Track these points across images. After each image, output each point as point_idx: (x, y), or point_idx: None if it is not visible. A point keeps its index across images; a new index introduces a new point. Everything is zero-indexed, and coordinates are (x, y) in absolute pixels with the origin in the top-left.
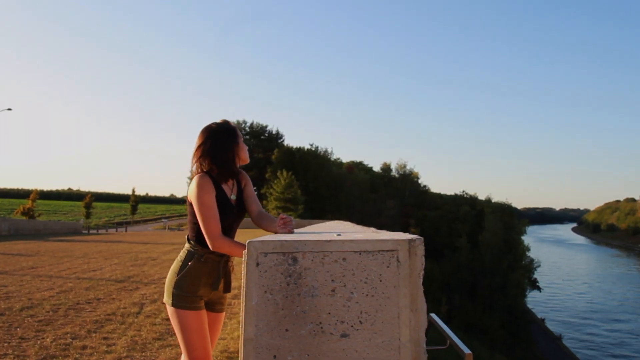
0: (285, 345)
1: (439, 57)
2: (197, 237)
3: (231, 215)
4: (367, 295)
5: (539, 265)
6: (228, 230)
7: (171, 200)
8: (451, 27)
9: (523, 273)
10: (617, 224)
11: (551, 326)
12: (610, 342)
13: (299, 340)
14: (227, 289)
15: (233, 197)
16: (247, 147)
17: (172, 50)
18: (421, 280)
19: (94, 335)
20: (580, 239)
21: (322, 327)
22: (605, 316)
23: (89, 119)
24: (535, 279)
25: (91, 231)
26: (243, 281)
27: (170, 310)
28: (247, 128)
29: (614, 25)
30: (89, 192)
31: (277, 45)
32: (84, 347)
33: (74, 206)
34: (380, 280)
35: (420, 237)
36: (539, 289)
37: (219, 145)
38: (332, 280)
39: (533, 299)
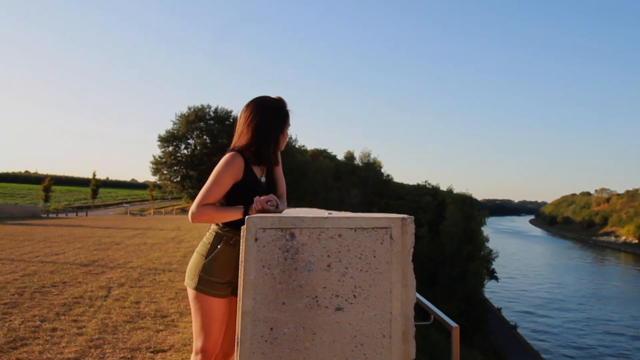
0: (282, 318)
1: (403, 48)
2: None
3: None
4: (361, 270)
5: (497, 256)
6: None
7: (133, 185)
8: (415, 18)
9: (482, 263)
10: (573, 217)
11: (507, 315)
12: (563, 331)
13: (295, 313)
14: None
15: (263, 179)
16: (288, 135)
17: (135, 35)
18: (411, 257)
19: (63, 317)
20: (537, 231)
21: (317, 301)
22: (559, 306)
23: (48, 100)
24: (493, 269)
25: (50, 215)
26: (242, 256)
27: (192, 293)
28: (211, 113)
29: (575, 19)
30: (47, 175)
31: (243, 33)
32: (54, 330)
33: (31, 189)
34: (374, 257)
35: (411, 217)
36: (496, 279)
37: (265, 127)
38: (328, 255)
39: (490, 289)
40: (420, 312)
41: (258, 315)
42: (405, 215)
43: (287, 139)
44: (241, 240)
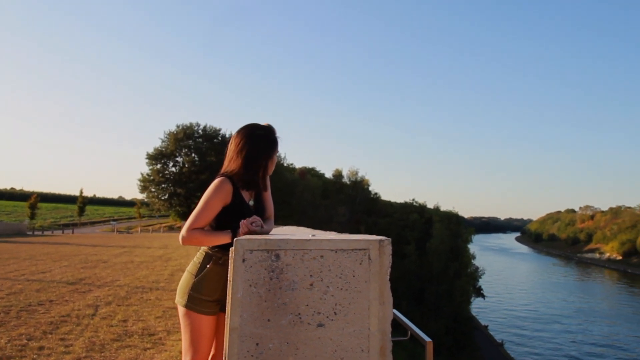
0: (267, 334)
1: (390, 66)
2: None
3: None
4: (341, 289)
5: (484, 273)
6: None
7: (120, 203)
8: (403, 35)
9: (468, 280)
10: (558, 234)
11: (494, 332)
12: (549, 347)
13: (280, 330)
14: None
15: (251, 202)
16: (276, 160)
17: (123, 51)
18: (388, 276)
19: (49, 336)
20: (523, 248)
21: (300, 318)
22: (545, 323)
23: (35, 115)
24: (480, 286)
25: (36, 232)
26: (230, 275)
27: (182, 310)
28: (200, 131)
29: (556, 35)
30: (33, 192)
31: (230, 49)
32: (41, 348)
33: (17, 206)
34: (354, 276)
35: (388, 238)
36: (483, 296)
37: (254, 154)
38: (311, 275)
39: (477, 306)
40: (398, 328)
41: (245, 331)
42: (382, 237)
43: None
44: (230, 261)
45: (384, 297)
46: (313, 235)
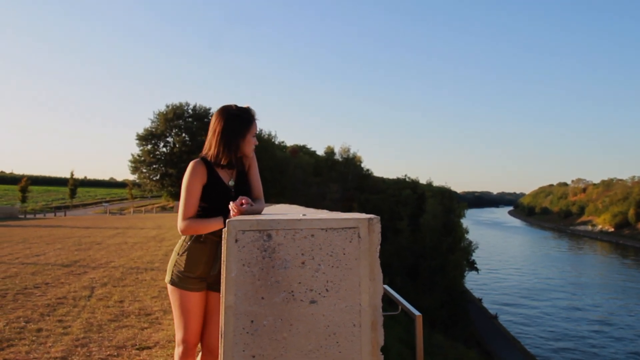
0: (261, 311)
1: (382, 43)
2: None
3: (230, 201)
4: (332, 266)
5: (477, 247)
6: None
7: (111, 184)
8: (391, 12)
9: (462, 255)
10: (550, 207)
11: (488, 305)
12: (543, 320)
13: (273, 307)
14: None
15: (231, 182)
16: (255, 143)
17: (111, 33)
18: (378, 253)
19: (47, 318)
20: (516, 222)
21: (293, 295)
22: (539, 295)
23: (24, 99)
24: (473, 260)
25: (28, 216)
26: (223, 256)
27: (169, 288)
28: (189, 110)
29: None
30: (24, 175)
31: (221, 28)
32: (39, 330)
33: (7, 190)
34: (344, 254)
35: (377, 217)
36: (476, 270)
37: (226, 133)
38: (302, 254)
39: (471, 280)
40: (390, 303)
41: (239, 309)
42: (372, 216)
43: (255, 144)
44: (222, 242)
45: (374, 273)
46: (304, 215)
